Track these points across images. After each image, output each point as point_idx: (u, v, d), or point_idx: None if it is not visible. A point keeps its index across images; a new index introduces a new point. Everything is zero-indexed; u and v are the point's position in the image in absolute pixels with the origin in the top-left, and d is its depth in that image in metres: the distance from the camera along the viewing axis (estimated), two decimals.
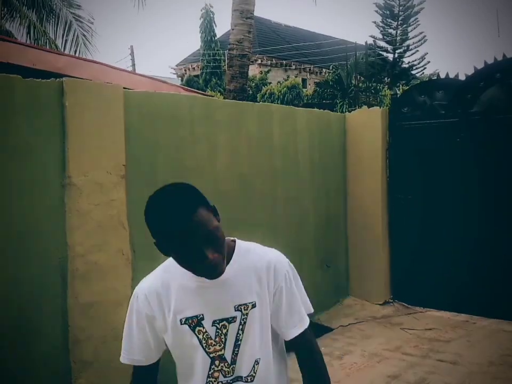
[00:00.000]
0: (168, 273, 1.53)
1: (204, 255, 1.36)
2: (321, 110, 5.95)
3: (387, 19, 27.01)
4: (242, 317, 1.50)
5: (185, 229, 1.35)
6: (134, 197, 3.35)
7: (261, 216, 4.70)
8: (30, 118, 2.90)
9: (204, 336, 1.50)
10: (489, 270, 5.28)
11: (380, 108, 6.11)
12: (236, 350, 1.51)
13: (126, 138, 3.34)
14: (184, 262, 1.41)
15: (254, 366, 1.53)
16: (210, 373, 1.52)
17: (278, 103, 17.07)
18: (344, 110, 15.31)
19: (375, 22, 27.44)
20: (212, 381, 1.52)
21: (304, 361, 1.62)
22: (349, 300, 5.87)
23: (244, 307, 1.51)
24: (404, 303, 5.75)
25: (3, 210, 2.78)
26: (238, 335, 1.51)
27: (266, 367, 1.56)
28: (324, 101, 16.37)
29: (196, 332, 1.49)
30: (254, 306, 1.51)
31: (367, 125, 5.83)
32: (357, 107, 12.17)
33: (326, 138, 5.65)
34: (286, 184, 5.04)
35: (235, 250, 1.55)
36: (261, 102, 15.69)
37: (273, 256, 1.61)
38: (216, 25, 28.01)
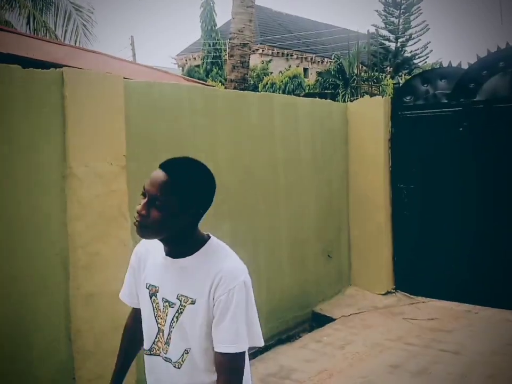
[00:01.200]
0: (152, 244, 1.67)
1: (140, 201, 1.52)
2: (323, 99, 5.92)
3: (389, 7, 26.84)
4: (180, 307, 1.58)
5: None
6: (135, 188, 3.33)
7: (263, 207, 4.69)
8: (30, 108, 2.88)
9: (156, 306, 1.63)
10: (491, 259, 5.27)
11: (382, 97, 6.07)
12: (170, 333, 1.60)
13: (126, 128, 3.32)
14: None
15: (183, 355, 1.59)
16: (155, 340, 1.64)
17: (279, 93, 17.01)
18: (346, 100, 15.23)
19: (377, 11, 27.28)
20: (155, 348, 1.65)
21: (218, 378, 1.54)
22: (351, 289, 5.87)
23: (184, 299, 1.57)
24: (406, 293, 5.75)
25: (4, 202, 2.77)
26: (173, 321, 1.59)
27: (195, 360, 1.57)
28: (326, 91, 16.28)
29: (152, 300, 1.64)
30: (193, 303, 1.56)
31: (369, 114, 5.79)
32: (359, 96, 12.11)
33: (327, 128, 5.62)
34: (288, 174, 5.02)
35: (204, 247, 1.59)
36: (262, 92, 15.65)
37: (229, 267, 1.56)
38: (216, 14, 27.84)
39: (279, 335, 4.73)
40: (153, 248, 1.68)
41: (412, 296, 5.69)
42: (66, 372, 3.02)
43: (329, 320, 5.13)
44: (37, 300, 2.91)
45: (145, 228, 1.52)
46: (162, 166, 1.54)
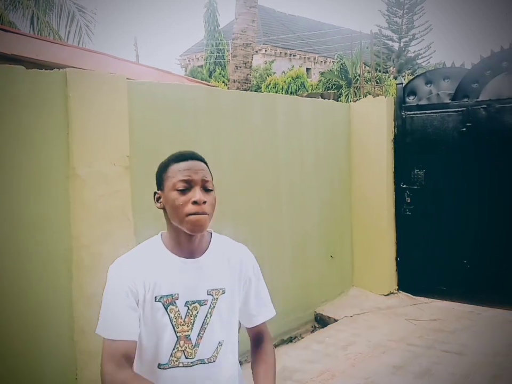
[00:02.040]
0: (148, 252, 1.59)
1: (198, 192, 1.50)
2: (326, 99, 5.92)
3: (393, 7, 26.81)
4: (213, 301, 1.59)
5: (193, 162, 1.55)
6: (138, 188, 3.34)
7: (265, 207, 4.69)
8: (34, 109, 2.88)
9: (175, 315, 1.55)
10: (494, 260, 5.26)
11: (385, 97, 6.06)
12: (201, 333, 1.58)
13: (130, 129, 3.33)
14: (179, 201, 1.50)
15: (217, 348, 1.61)
16: (173, 352, 1.56)
17: (282, 93, 17.01)
18: (349, 100, 15.23)
19: (380, 11, 27.24)
20: (173, 360, 1.56)
21: (260, 347, 1.72)
22: (354, 290, 5.86)
23: (215, 292, 1.60)
24: (408, 294, 5.75)
25: (8, 202, 2.78)
26: (206, 318, 1.59)
27: (228, 349, 1.65)
28: (329, 91, 16.28)
29: (168, 310, 1.54)
30: (223, 292, 1.61)
31: (372, 114, 5.79)
32: (361, 97, 12.10)
33: (330, 128, 5.62)
34: (291, 174, 5.02)
35: (212, 240, 1.65)
36: (265, 92, 15.64)
37: (243, 250, 1.72)
38: (219, 14, 27.85)
39: (282, 336, 4.73)
40: (146, 263, 1.55)
41: (414, 297, 5.68)
42: (68, 372, 3.03)
43: (332, 321, 5.12)
44: (41, 299, 2.92)
45: (206, 218, 1.50)
46: (190, 156, 1.59)
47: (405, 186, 5.78)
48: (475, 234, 5.36)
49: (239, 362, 1.76)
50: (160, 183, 1.58)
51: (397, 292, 5.84)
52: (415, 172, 5.72)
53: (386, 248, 5.80)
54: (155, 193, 1.60)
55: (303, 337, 4.87)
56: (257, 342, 1.74)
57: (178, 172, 1.52)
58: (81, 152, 3.05)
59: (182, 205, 1.49)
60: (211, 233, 1.67)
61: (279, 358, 4.32)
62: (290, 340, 4.80)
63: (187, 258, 1.58)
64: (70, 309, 3.04)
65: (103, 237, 3.14)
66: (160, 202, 1.57)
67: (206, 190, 1.53)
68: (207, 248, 1.62)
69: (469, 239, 5.39)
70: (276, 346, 4.54)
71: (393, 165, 5.81)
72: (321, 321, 5.20)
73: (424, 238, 5.67)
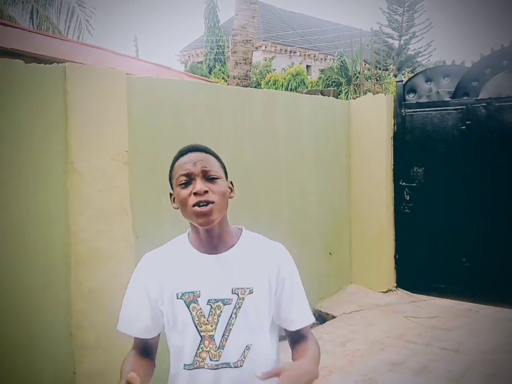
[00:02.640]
0: (172, 249, 1.59)
1: (198, 183, 1.45)
2: (326, 96, 5.91)
3: (393, 5, 26.74)
4: (238, 301, 1.50)
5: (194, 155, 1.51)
6: (137, 183, 3.34)
7: (265, 204, 4.69)
8: (33, 103, 2.87)
9: (197, 313, 1.50)
10: (493, 258, 5.27)
11: (385, 95, 6.06)
12: (226, 334, 1.50)
13: (129, 124, 3.32)
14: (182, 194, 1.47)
15: (244, 351, 1.51)
16: (198, 352, 1.51)
17: (282, 90, 16.98)
18: (349, 97, 15.21)
19: (381, 8, 27.20)
20: (199, 361, 1.51)
21: (303, 351, 1.56)
22: (352, 287, 5.87)
23: (241, 291, 1.51)
24: (407, 291, 5.76)
25: (6, 197, 2.77)
26: (231, 318, 1.50)
27: (258, 354, 1.53)
28: (329, 88, 16.26)
29: (190, 308, 1.50)
30: (251, 292, 1.51)
31: (372, 112, 5.79)
32: (361, 94, 12.09)
33: (330, 125, 5.61)
34: (290, 171, 5.01)
35: (241, 236, 1.59)
36: (265, 89, 15.62)
37: (279, 249, 1.63)
38: (219, 10, 27.80)
39: (280, 332, 4.72)
40: (168, 259, 1.56)
41: (413, 294, 5.69)
42: (66, 367, 3.03)
43: (330, 317, 5.13)
44: (39, 294, 2.91)
45: (210, 207, 1.45)
46: (189, 149, 1.56)
47: (404, 184, 5.78)
48: (474, 232, 5.36)
49: None
50: (170, 183, 1.55)
51: (395, 289, 5.84)
52: (415, 170, 5.72)
53: (385, 245, 5.80)
54: (170, 194, 1.56)
55: None
56: (297, 347, 1.60)
57: (179, 167, 1.51)
58: (79, 147, 3.04)
59: (185, 198, 1.46)
60: (241, 230, 1.61)
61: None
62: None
63: (210, 254, 1.53)
64: (68, 303, 3.04)
65: (101, 232, 3.14)
66: (175, 202, 1.54)
67: (209, 179, 1.48)
68: (235, 243, 1.56)
69: (468, 237, 5.40)
70: None
71: (392, 163, 5.81)
72: (320, 318, 5.20)
73: (423, 236, 5.68)
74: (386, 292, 5.77)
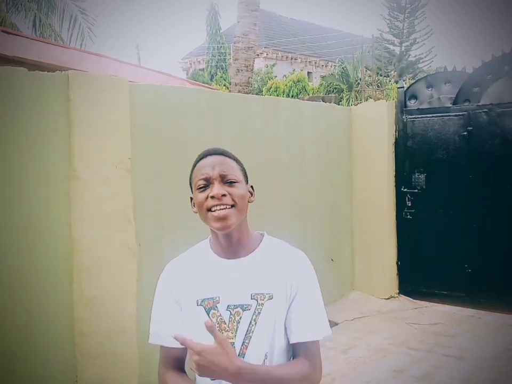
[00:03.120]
0: (194, 254, 1.58)
1: (215, 186, 1.43)
2: (327, 103, 5.93)
3: (394, 12, 26.82)
4: (257, 307, 1.46)
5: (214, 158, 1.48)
6: (139, 191, 3.35)
7: (266, 210, 4.69)
8: (35, 111, 2.89)
9: (218, 320, 1.46)
10: (495, 264, 5.26)
11: (386, 101, 6.07)
12: (246, 341, 1.46)
13: (131, 131, 3.33)
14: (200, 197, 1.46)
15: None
16: None
17: (283, 97, 17.02)
18: (350, 104, 15.24)
19: (382, 15, 27.28)
20: None
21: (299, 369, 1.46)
22: (354, 294, 5.86)
23: (260, 297, 1.47)
24: (409, 298, 5.74)
25: (9, 204, 2.78)
26: (251, 325, 1.45)
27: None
28: (330, 94, 16.31)
29: (210, 315, 1.47)
30: (270, 298, 1.47)
31: (373, 118, 5.79)
32: (363, 100, 12.12)
33: (331, 131, 5.62)
34: (291, 178, 5.02)
35: (262, 241, 1.57)
36: (266, 96, 15.66)
37: (299, 256, 1.57)
38: (221, 17, 27.91)
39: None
40: (189, 266, 1.55)
41: (415, 300, 5.68)
42: (69, 374, 3.03)
43: (332, 324, 5.12)
44: (41, 302, 2.91)
45: (228, 211, 1.43)
46: (208, 153, 1.53)
47: (405, 190, 5.78)
48: (476, 238, 5.35)
49: None
50: (191, 187, 1.54)
51: (397, 295, 5.83)
52: (416, 176, 5.72)
53: (387, 251, 5.80)
54: (191, 198, 1.55)
55: None
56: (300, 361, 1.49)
57: (197, 171, 1.49)
58: (82, 154, 3.05)
59: (203, 202, 1.45)
60: (263, 235, 1.60)
61: None
62: None
63: (229, 259, 1.50)
64: (70, 311, 3.04)
65: (104, 240, 3.14)
66: (194, 207, 1.52)
67: (228, 183, 1.46)
68: (255, 248, 1.53)
69: (470, 243, 5.39)
70: None
71: (394, 169, 5.81)
72: None
73: (425, 242, 5.67)
74: (388, 298, 5.75)
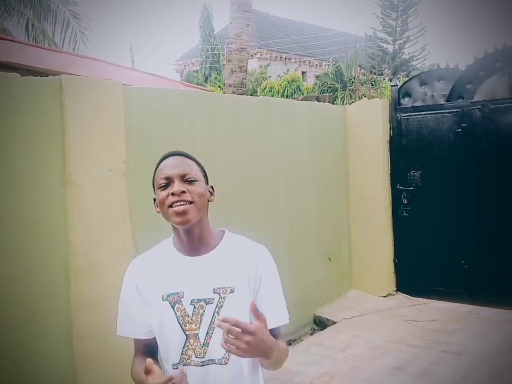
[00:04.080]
0: (157, 252, 1.66)
1: (176, 184, 1.52)
2: (321, 102, 5.94)
3: (387, 10, 26.88)
4: (220, 300, 1.55)
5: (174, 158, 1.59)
6: (135, 194, 3.35)
7: (262, 210, 4.70)
8: (29, 116, 2.89)
9: (182, 314, 1.55)
10: (492, 260, 5.28)
11: (380, 99, 6.08)
12: (210, 332, 1.55)
13: (126, 135, 3.33)
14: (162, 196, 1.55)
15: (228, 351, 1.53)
16: (184, 350, 1.56)
17: (278, 97, 17.03)
18: (344, 103, 15.26)
19: (374, 13, 27.33)
20: (185, 358, 1.56)
21: None
22: (352, 292, 5.87)
23: (222, 290, 1.56)
24: (407, 295, 5.76)
25: (4, 209, 2.78)
26: (214, 317, 1.55)
27: None
28: (324, 94, 16.31)
29: (175, 309, 1.56)
30: (232, 291, 1.56)
31: (368, 116, 5.81)
32: (357, 99, 12.13)
33: (326, 130, 5.63)
34: (287, 177, 5.03)
35: (223, 238, 1.64)
36: (261, 96, 15.67)
37: (259, 250, 1.66)
38: (214, 19, 27.89)
39: None
40: (153, 263, 1.63)
41: (413, 297, 5.69)
42: (67, 377, 3.02)
43: (331, 323, 5.13)
44: (39, 305, 2.91)
45: (188, 206, 1.52)
46: (169, 154, 1.63)
47: (401, 187, 5.80)
48: (473, 234, 5.37)
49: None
50: (153, 188, 1.63)
51: (395, 293, 5.84)
52: (411, 173, 5.74)
53: (384, 249, 5.81)
54: (154, 199, 1.63)
55: (302, 340, 4.87)
56: None
57: (159, 171, 1.59)
58: (77, 159, 3.05)
59: (163, 199, 1.54)
60: (224, 232, 1.67)
61: None
62: (289, 343, 4.80)
63: (192, 256, 1.58)
64: (68, 314, 3.04)
65: (100, 243, 3.14)
66: (156, 206, 1.61)
67: (187, 181, 1.55)
68: (216, 245, 1.61)
69: (467, 239, 5.41)
70: None
71: (389, 167, 5.83)
72: (320, 324, 5.20)
73: (422, 239, 5.69)
74: (386, 296, 5.77)
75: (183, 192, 1.52)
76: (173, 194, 1.52)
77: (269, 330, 1.52)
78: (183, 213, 1.51)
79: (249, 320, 1.55)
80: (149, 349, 1.63)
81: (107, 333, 3.09)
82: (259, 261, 1.62)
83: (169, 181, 1.55)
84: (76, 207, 3.05)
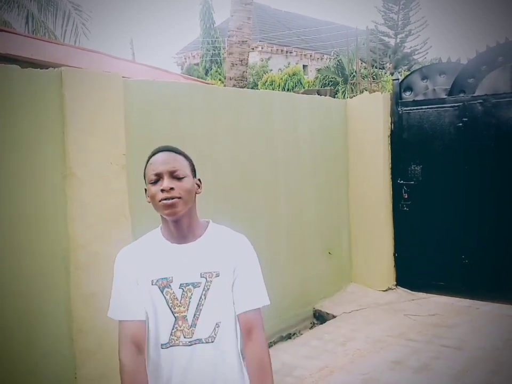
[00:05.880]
0: (146, 241, 1.79)
1: (165, 180, 1.65)
2: (322, 96, 5.92)
3: (388, 3, 26.78)
4: (206, 284, 1.70)
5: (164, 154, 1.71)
6: (135, 187, 3.33)
7: (263, 204, 4.69)
8: (29, 108, 2.88)
9: (171, 297, 1.69)
10: (492, 255, 5.27)
11: (382, 93, 6.06)
12: (197, 313, 1.69)
13: (126, 127, 3.32)
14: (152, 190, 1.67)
15: (214, 329, 1.70)
16: (173, 331, 1.69)
17: (279, 91, 16.99)
18: (345, 96, 15.22)
19: (376, 7, 27.23)
20: (174, 339, 1.69)
21: (250, 343, 1.71)
22: (352, 286, 5.87)
23: (209, 275, 1.70)
24: (407, 289, 5.76)
25: (4, 203, 2.77)
26: (201, 299, 1.69)
27: (226, 331, 1.72)
28: (325, 87, 16.26)
29: (164, 293, 1.69)
30: (217, 275, 1.71)
31: (369, 110, 5.79)
32: (358, 93, 12.09)
33: (327, 124, 5.62)
34: (288, 171, 5.02)
35: (208, 227, 1.79)
36: (261, 90, 15.63)
37: (239, 238, 1.81)
38: (214, 12, 27.80)
39: (280, 333, 4.73)
40: (143, 250, 1.76)
41: (413, 292, 5.70)
42: (68, 371, 3.03)
43: (331, 317, 5.13)
44: (39, 299, 2.92)
45: (176, 201, 1.64)
46: (159, 150, 1.75)
47: (402, 182, 5.79)
48: (473, 229, 5.37)
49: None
50: (145, 179, 1.74)
51: (395, 287, 5.85)
52: (412, 168, 5.73)
53: (384, 243, 5.81)
54: (145, 190, 1.74)
55: (302, 334, 4.88)
56: (244, 333, 1.73)
57: (150, 166, 1.71)
58: (77, 152, 3.05)
59: (155, 194, 1.66)
60: (208, 222, 1.81)
61: (278, 354, 4.34)
62: (289, 337, 4.81)
63: (180, 244, 1.72)
64: (68, 308, 3.04)
65: (100, 236, 3.14)
66: (148, 197, 1.73)
67: (176, 178, 1.67)
68: (202, 233, 1.76)
69: (467, 233, 5.40)
70: (275, 343, 4.54)
71: (390, 161, 5.82)
72: (320, 318, 5.20)
73: (422, 233, 5.68)
74: (386, 290, 5.77)
75: (172, 188, 1.64)
76: (162, 190, 1.64)
77: (248, 311, 1.72)
78: (171, 206, 1.64)
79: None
80: (137, 339, 1.69)
81: (107, 327, 3.09)
82: (240, 248, 1.77)
83: (159, 177, 1.67)
84: (75, 200, 3.04)
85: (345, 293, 5.72)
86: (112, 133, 3.24)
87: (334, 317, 5.12)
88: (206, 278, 1.70)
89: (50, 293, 2.98)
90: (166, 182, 1.65)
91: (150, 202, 1.71)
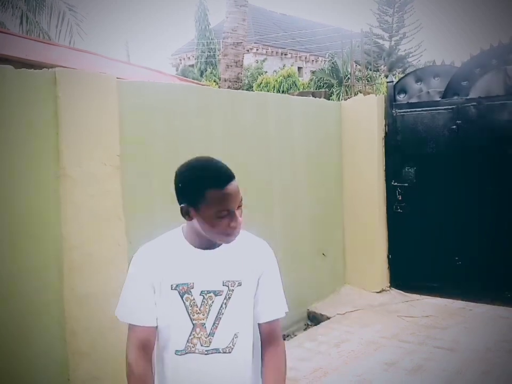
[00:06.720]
0: (168, 242, 1.70)
1: (236, 216, 1.59)
2: (317, 98, 5.93)
3: (383, 6, 26.85)
4: (228, 292, 1.65)
5: (232, 185, 1.59)
6: (129, 188, 3.33)
7: (257, 206, 4.69)
8: (23, 108, 2.87)
9: (190, 303, 1.63)
10: (485, 256, 5.29)
11: (376, 95, 6.08)
12: (216, 322, 1.64)
13: (120, 128, 3.31)
14: (217, 219, 1.56)
15: (233, 339, 1.65)
16: (190, 338, 1.63)
17: (274, 92, 17.02)
18: (340, 98, 15.26)
19: (371, 10, 27.30)
20: (190, 346, 1.64)
21: (270, 350, 1.70)
22: (346, 288, 5.87)
23: (231, 283, 1.66)
24: (400, 291, 5.77)
25: None
26: (221, 308, 1.64)
27: (244, 341, 1.67)
28: (320, 90, 16.29)
29: (184, 299, 1.63)
30: (239, 284, 1.66)
31: (363, 112, 5.80)
32: (353, 95, 12.11)
33: (321, 126, 5.63)
34: (282, 173, 5.02)
35: None
36: (256, 91, 15.63)
37: (261, 245, 1.78)
38: (209, 13, 27.82)
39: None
40: (164, 252, 1.66)
41: (406, 293, 5.71)
42: (61, 373, 3.02)
43: (325, 318, 5.14)
44: (32, 300, 2.90)
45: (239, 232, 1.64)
46: (227, 179, 1.62)
47: (396, 184, 5.80)
48: (466, 230, 5.39)
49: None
50: (192, 201, 1.58)
51: (389, 289, 5.86)
52: (406, 170, 5.75)
53: (378, 245, 5.82)
54: (182, 207, 1.60)
55: (295, 335, 4.88)
56: (267, 342, 1.71)
57: (218, 200, 1.55)
58: (71, 152, 3.04)
59: (221, 225, 1.58)
60: None
61: None
62: (283, 338, 4.80)
63: (204, 249, 1.66)
64: (61, 309, 3.02)
65: (94, 238, 3.13)
66: (189, 216, 1.60)
67: (239, 207, 1.62)
68: None
69: (460, 235, 5.42)
70: None
71: (384, 163, 5.83)
72: (314, 319, 5.21)
73: (416, 235, 5.70)
74: (380, 292, 5.78)
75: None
76: (233, 226, 1.58)
77: (268, 322, 1.69)
78: (236, 235, 1.62)
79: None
80: (147, 345, 1.64)
81: (100, 329, 3.09)
82: (264, 256, 1.74)
83: (229, 212, 1.58)
84: (69, 201, 3.03)
85: (339, 295, 5.72)
86: (106, 133, 3.23)
87: (328, 318, 5.12)
88: (228, 287, 1.65)
89: (44, 294, 2.96)
90: (238, 219, 1.60)
91: (189, 220, 1.61)
